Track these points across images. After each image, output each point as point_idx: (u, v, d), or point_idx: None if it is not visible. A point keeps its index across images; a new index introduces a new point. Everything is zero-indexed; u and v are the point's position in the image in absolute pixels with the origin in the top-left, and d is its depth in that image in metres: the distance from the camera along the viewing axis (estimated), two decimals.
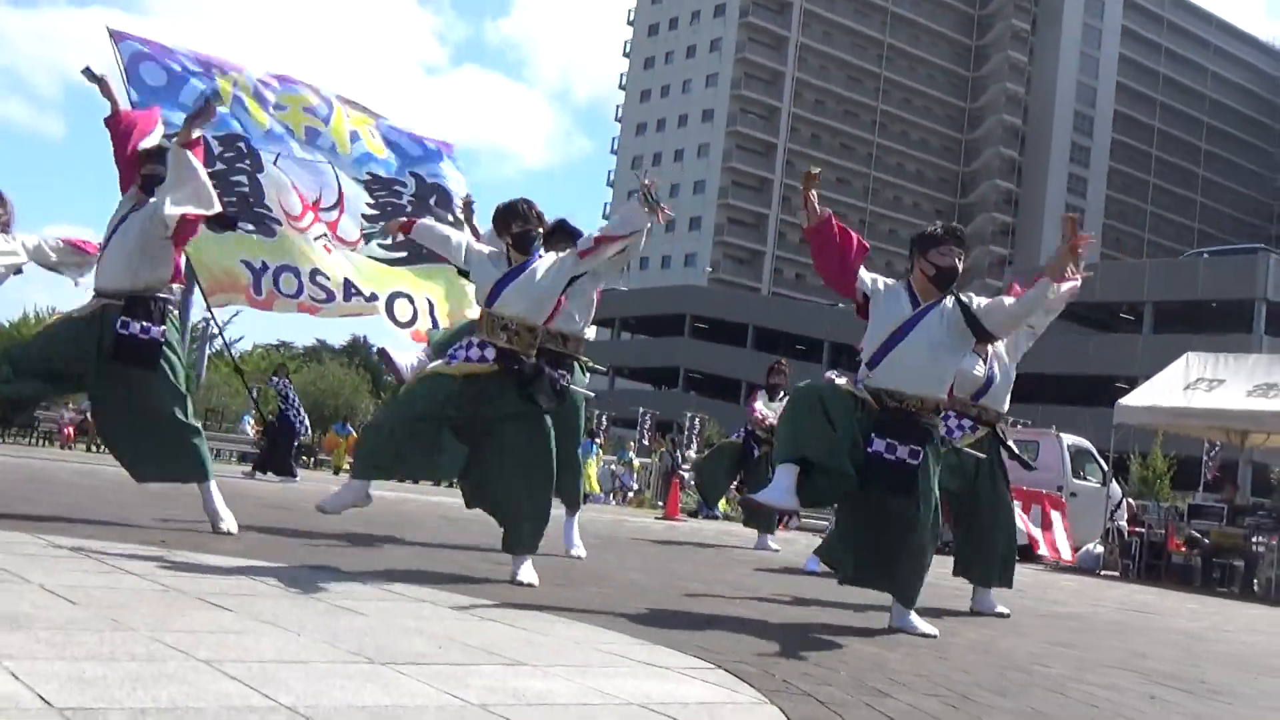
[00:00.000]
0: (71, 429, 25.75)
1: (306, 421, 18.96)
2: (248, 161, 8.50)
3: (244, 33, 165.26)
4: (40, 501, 7.11)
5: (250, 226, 8.39)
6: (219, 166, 8.25)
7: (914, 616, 5.39)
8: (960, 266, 5.46)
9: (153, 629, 3.22)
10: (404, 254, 8.81)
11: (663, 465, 26.41)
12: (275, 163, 8.67)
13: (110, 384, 6.20)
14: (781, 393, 12.15)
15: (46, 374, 6.15)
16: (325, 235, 8.77)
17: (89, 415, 25.24)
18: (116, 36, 8.46)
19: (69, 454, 21.20)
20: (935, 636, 5.27)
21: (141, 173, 6.38)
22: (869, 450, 5.25)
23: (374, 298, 8.81)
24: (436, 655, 3.35)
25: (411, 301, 8.86)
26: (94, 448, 24.25)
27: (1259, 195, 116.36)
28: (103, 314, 6.15)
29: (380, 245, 8.92)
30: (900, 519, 5.30)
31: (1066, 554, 15.84)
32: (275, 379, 18.84)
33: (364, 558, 6.13)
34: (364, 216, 8.87)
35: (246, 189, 8.45)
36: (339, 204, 8.92)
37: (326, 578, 4.92)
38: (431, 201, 9.12)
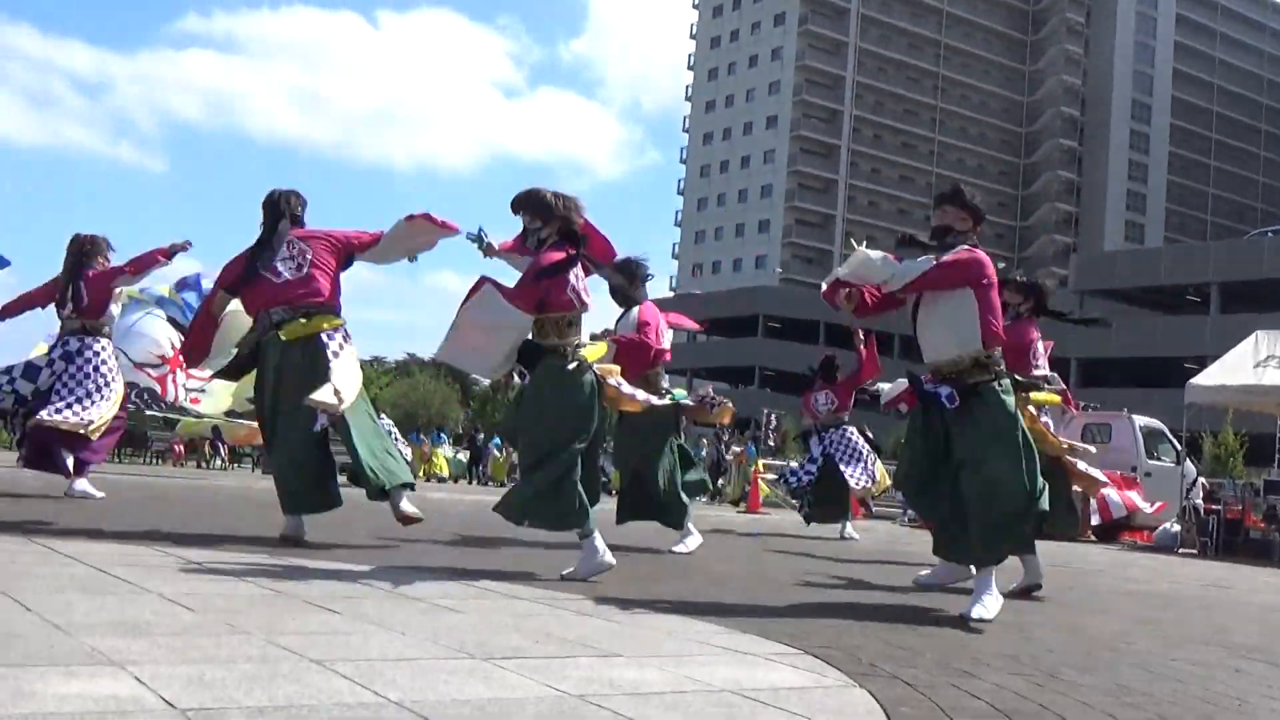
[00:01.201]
0: (183, 447, 26.42)
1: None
2: None
3: (330, 67, 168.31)
4: (156, 516, 7.34)
5: None
6: None
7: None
8: (947, 225, 5.53)
9: (266, 632, 3.34)
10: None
11: (709, 458, 26.61)
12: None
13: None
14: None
15: None
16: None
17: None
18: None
19: (180, 470, 21.67)
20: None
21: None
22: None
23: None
24: (534, 649, 3.43)
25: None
26: (203, 464, 25.09)
27: None
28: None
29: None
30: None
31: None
32: None
33: (458, 559, 6.27)
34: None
35: None
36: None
37: (424, 578, 5.06)
38: None
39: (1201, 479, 18.39)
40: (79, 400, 8.10)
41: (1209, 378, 16.27)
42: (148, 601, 3.78)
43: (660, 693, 2.96)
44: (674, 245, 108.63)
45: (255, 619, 3.57)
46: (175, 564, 4.89)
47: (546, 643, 3.58)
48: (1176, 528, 15.39)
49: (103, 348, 8.39)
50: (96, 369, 8.25)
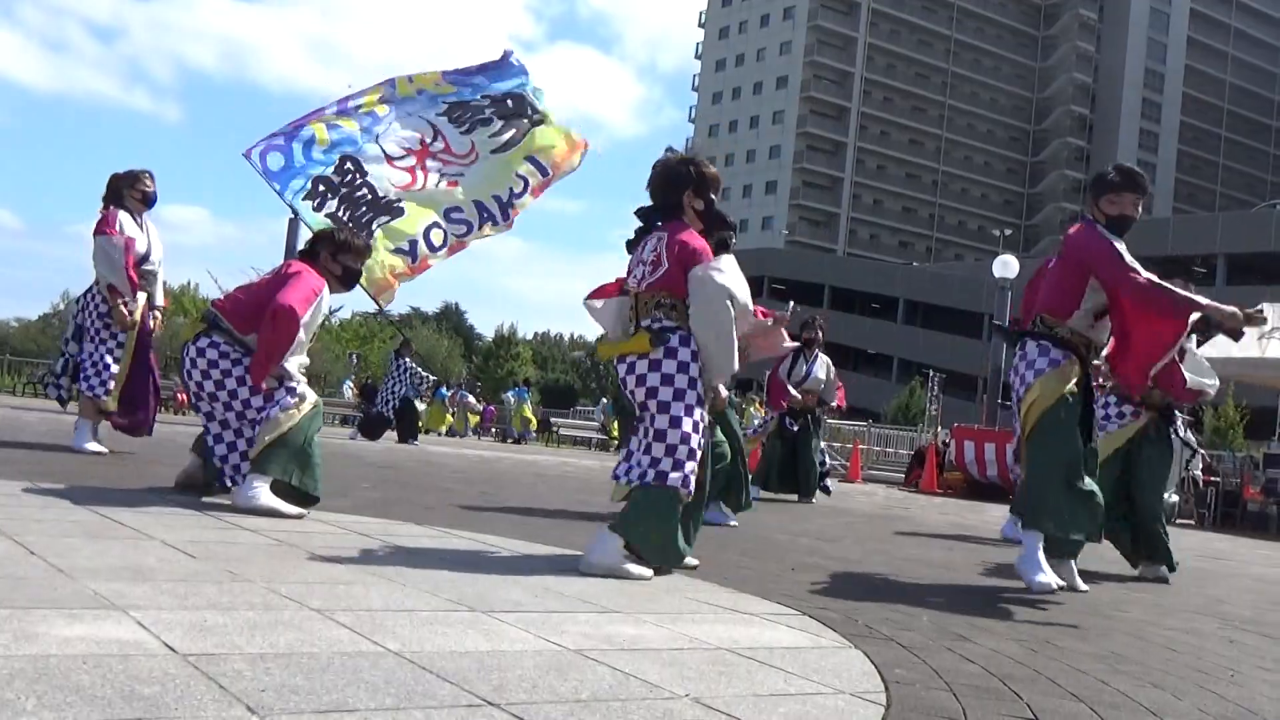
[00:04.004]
0: (184, 396, 26.56)
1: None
2: (357, 175, 9.06)
3: (346, 17, 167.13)
4: (161, 463, 7.37)
5: (385, 218, 8.97)
6: (343, 191, 8.99)
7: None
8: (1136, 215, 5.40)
9: (268, 581, 3.37)
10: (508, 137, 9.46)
11: None
12: (376, 141, 9.20)
13: None
14: (816, 350, 11.79)
15: None
16: (442, 173, 9.24)
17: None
18: (249, 154, 8.95)
19: (183, 419, 21.76)
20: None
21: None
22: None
23: (504, 210, 9.29)
24: (533, 604, 3.46)
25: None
26: None
27: None
28: None
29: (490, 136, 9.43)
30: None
31: None
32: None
33: (464, 514, 6.29)
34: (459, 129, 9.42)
35: (369, 195, 9.03)
36: (438, 133, 9.39)
37: (426, 532, 5.10)
38: (508, 104, 9.61)
39: (1201, 451, 18.40)
40: None
41: (1213, 349, 16.20)
42: (151, 548, 3.81)
43: (656, 649, 2.98)
44: None
45: (257, 568, 3.60)
46: (178, 511, 4.92)
47: (546, 598, 3.60)
48: (1175, 498, 15.42)
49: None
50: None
